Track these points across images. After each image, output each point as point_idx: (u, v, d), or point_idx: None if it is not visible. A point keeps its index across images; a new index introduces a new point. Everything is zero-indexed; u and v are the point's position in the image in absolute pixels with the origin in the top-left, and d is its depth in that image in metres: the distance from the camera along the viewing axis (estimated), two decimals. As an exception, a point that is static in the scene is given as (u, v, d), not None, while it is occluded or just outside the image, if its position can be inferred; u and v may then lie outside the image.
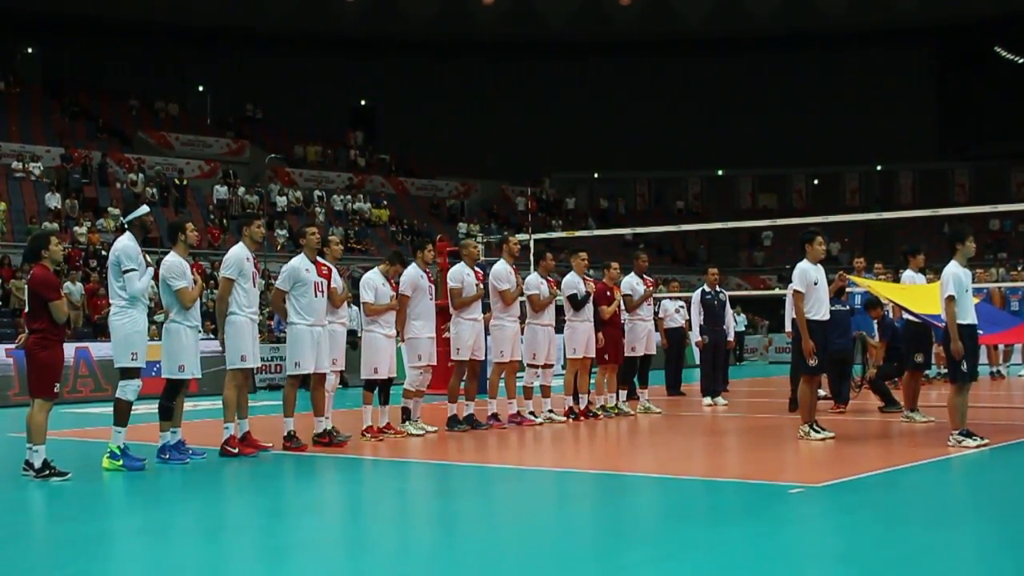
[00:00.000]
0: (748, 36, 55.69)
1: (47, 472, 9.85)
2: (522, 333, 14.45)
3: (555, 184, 55.85)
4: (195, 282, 11.16)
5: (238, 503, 9.47)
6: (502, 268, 13.98)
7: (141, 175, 37.46)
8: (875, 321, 15.85)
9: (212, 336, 15.11)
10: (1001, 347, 22.72)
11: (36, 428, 9.87)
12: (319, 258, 12.13)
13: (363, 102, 58.42)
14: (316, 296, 11.85)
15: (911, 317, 13.37)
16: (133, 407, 10.64)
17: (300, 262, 11.91)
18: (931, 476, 9.97)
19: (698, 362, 19.03)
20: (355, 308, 18.40)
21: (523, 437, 13.28)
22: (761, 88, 56.60)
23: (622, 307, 15.64)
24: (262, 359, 21.62)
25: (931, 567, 6.44)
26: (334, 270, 12.37)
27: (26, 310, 10.12)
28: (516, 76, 56.72)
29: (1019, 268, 25.80)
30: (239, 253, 11.40)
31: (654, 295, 16.96)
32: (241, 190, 39.72)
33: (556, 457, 11.96)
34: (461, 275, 13.60)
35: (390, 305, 12.85)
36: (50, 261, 10.20)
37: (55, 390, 9.98)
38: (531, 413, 14.39)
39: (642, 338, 16.11)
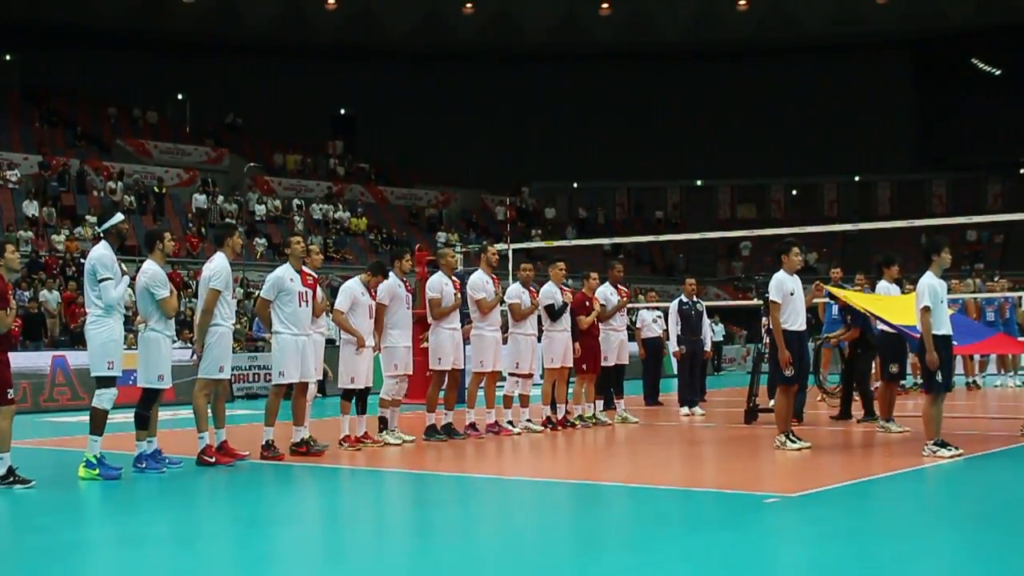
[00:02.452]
0: (727, 47, 55.87)
1: (11, 479, 9.79)
2: (504, 343, 14.47)
3: (535, 194, 55.89)
4: (171, 292, 11.13)
5: (214, 512, 9.45)
6: (478, 277, 14.00)
7: (120, 183, 37.32)
8: (841, 309, 15.71)
9: (189, 345, 15.07)
10: (977, 357, 22.84)
11: (1, 436, 9.80)
12: (304, 267, 12.11)
13: (343, 111, 58.30)
14: (301, 306, 11.82)
15: (886, 328, 13.44)
16: (109, 416, 10.61)
17: (285, 271, 11.89)
18: (906, 486, 10.03)
19: (675, 372, 19.07)
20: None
21: (501, 447, 13.29)
22: (740, 99, 56.70)
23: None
24: (240, 368, 21.72)
25: (904, 576, 6.49)
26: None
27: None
28: (495, 85, 56.71)
29: (995, 279, 25.91)
30: (226, 265, 11.37)
31: (629, 305, 16.99)
32: (220, 198, 39.62)
33: (534, 466, 11.98)
34: (440, 285, 13.60)
35: (357, 333, 12.72)
36: (5, 268, 10.15)
37: (9, 396, 9.90)
38: (509, 423, 14.41)
39: (614, 348, 16.17)
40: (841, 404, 15.98)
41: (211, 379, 11.36)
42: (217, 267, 11.39)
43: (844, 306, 15.44)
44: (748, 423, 15.54)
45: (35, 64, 49.44)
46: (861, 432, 14.41)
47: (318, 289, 12.49)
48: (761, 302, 16.39)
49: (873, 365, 17.61)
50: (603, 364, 15.94)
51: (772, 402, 13.38)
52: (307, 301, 11.92)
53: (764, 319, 15.72)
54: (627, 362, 16.72)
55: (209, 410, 11.43)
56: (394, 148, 54.56)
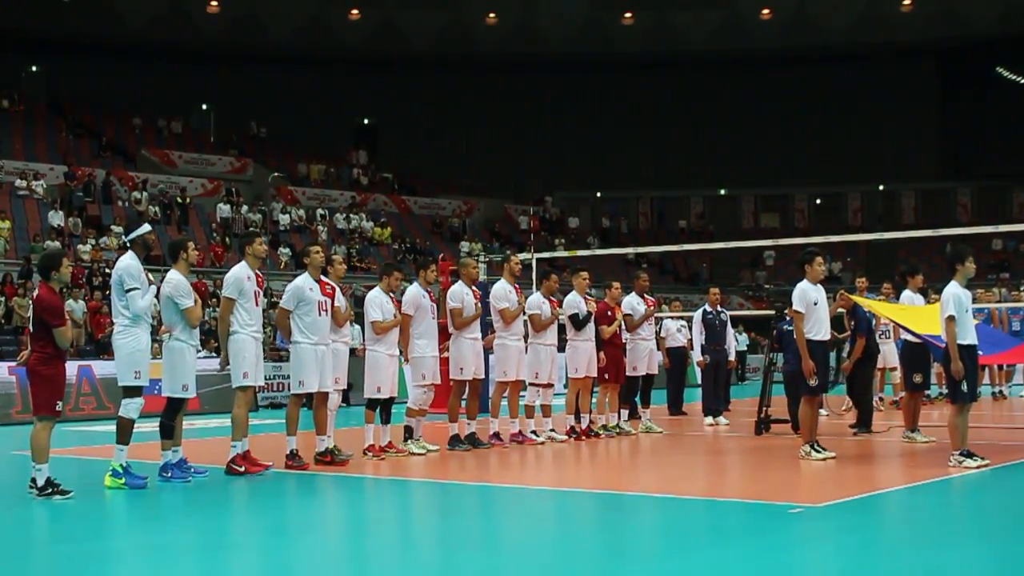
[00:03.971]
0: (750, 55, 55.72)
1: (50, 490, 9.87)
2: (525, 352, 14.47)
3: (558, 203, 55.85)
4: (195, 301, 11.19)
5: (240, 521, 9.49)
6: (501, 287, 14.02)
7: (144, 193, 37.49)
8: (844, 312, 15.46)
9: (215, 354, 15.12)
10: (1003, 367, 22.70)
11: (39, 447, 9.89)
12: (323, 277, 12.16)
13: (366, 120, 58.45)
14: (320, 315, 11.86)
15: (911, 337, 13.38)
16: (135, 425, 10.66)
17: (304, 281, 11.93)
18: (932, 497, 9.99)
19: (699, 382, 19.03)
20: (358, 327, 18.43)
21: (524, 456, 13.30)
22: (763, 107, 56.62)
23: (623, 327, 15.65)
24: (264, 377, 21.75)
25: (930, 587, 6.46)
26: (337, 289, 12.40)
27: (30, 328, 10.16)
28: (519, 95, 56.76)
29: (1021, 288, 25.77)
30: (239, 273, 11.43)
31: (655, 315, 16.97)
32: (244, 208, 39.74)
33: (557, 476, 11.98)
34: (461, 295, 13.63)
35: (396, 321, 12.88)
36: (57, 282, 10.26)
37: (57, 408, 10.01)
38: (533, 432, 14.41)
39: (643, 358, 16.12)
40: (858, 415, 15.75)
41: (243, 387, 11.39)
42: (229, 275, 11.52)
43: (850, 314, 15.29)
44: (759, 434, 15.41)
45: (61, 75, 49.81)
46: (886, 443, 14.34)
47: (343, 299, 12.55)
48: (772, 311, 16.31)
49: (896, 375, 17.54)
50: (633, 374, 15.92)
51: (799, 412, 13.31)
52: (326, 310, 11.96)
53: (774, 329, 15.66)
54: (656, 372, 16.68)
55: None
56: (417, 158, 54.67)
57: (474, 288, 13.88)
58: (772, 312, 16.32)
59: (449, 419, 13.71)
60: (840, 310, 15.06)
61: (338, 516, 9.77)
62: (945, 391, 14.16)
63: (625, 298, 16.07)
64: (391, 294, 13.08)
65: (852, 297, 15.31)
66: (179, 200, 38.39)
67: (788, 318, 14.85)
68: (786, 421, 15.29)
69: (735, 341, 21.21)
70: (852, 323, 15.40)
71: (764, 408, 15.63)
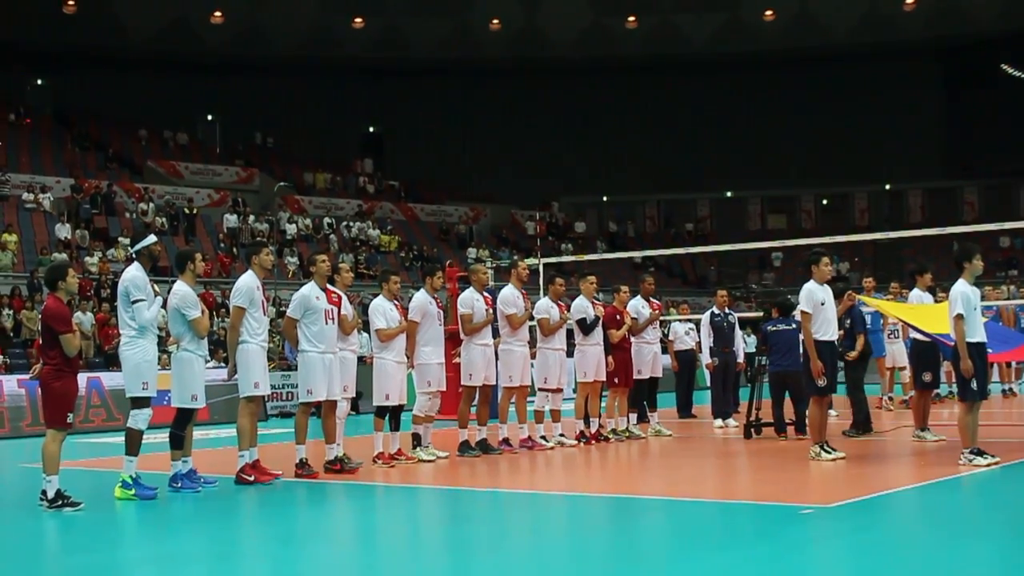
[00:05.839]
0: (755, 57, 55.70)
1: (60, 502, 9.87)
2: (533, 358, 14.46)
3: (564, 208, 55.87)
4: (203, 312, 11.19)
5: (250, 531, 9.49)
6: (509, 292, 14.00)
7: (151, 204, 37.55)
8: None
9: (223, 364, 15.11)
10: (1013, 364, 22.63)
11: (49, 458, 9.91)
12: (329, 286, 12.16)
13: (371, 129, 58.52)
14: (327, 324, 11.86)
15: (921, 336, 13.37)
16: (144, 436, 10.67)
17: (310, 290, 11.93)
18: (942, 495, 9.97)
19: (709, 384, 19.00)
20: (365, 335, 18.43)
21: (535, 462, 13.28)
22: (768, 109, 56.53)
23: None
24: (273, 387, 21.75)
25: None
26: (344, 297, 12.40)
27: (40, 341, 10.20)
28: (523, 100, 56.75)
29: (1029, 285, 25.72)
30: (250, 282, 11.43)
31: (662, 318, 16.92)
32: (251, 218, 39.78)
33: (568, 481, 11.97)
34: (471, 301, 13.62)
35: (401, 328, 12.85)
36: (65, 292, 10.28)
37: (68, 420, 10.02)
38: (542, 437, 14.39)
39: (647, 361, 16.07)
40: (854, 417, 15.66)
41: (249, 397, 11.40)
42: (239, 284, 11.52)
43: (848, 313, 15.20)
44: (748, 438, 15.30)
45: (67, 88, 49.88)
46: (896, 442, 14.31)
47: (350, 307, 12.54)
48: (762, 312, 16.27)
49: (906, 375, 17.50)
50: (637, 377, 15.88)
51: (803, 415, 13.28)
52: (333, 319, 11.96)
53: (761, 331, 15.65)
54: (661, 375, 16.64)
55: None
56: (423, 165, 54.69)
57: (485, 294, 13.87)
58: (761, 314, 16.30)
59: (459, 425, 13.69)
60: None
61: (348, 524, 9.77)
62: (955, 389, 14.16)
63: (630, 301, 16.03)
64: (394, 300, 13.06)
65: (860, 297, 15.28)
66: (186, 211, 38.44)
67: (774, 318, 14.94)
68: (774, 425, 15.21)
69: (743, 343, 21.16)
70: (848, 322, 15.30)
71: (755, 411, 15.52)
